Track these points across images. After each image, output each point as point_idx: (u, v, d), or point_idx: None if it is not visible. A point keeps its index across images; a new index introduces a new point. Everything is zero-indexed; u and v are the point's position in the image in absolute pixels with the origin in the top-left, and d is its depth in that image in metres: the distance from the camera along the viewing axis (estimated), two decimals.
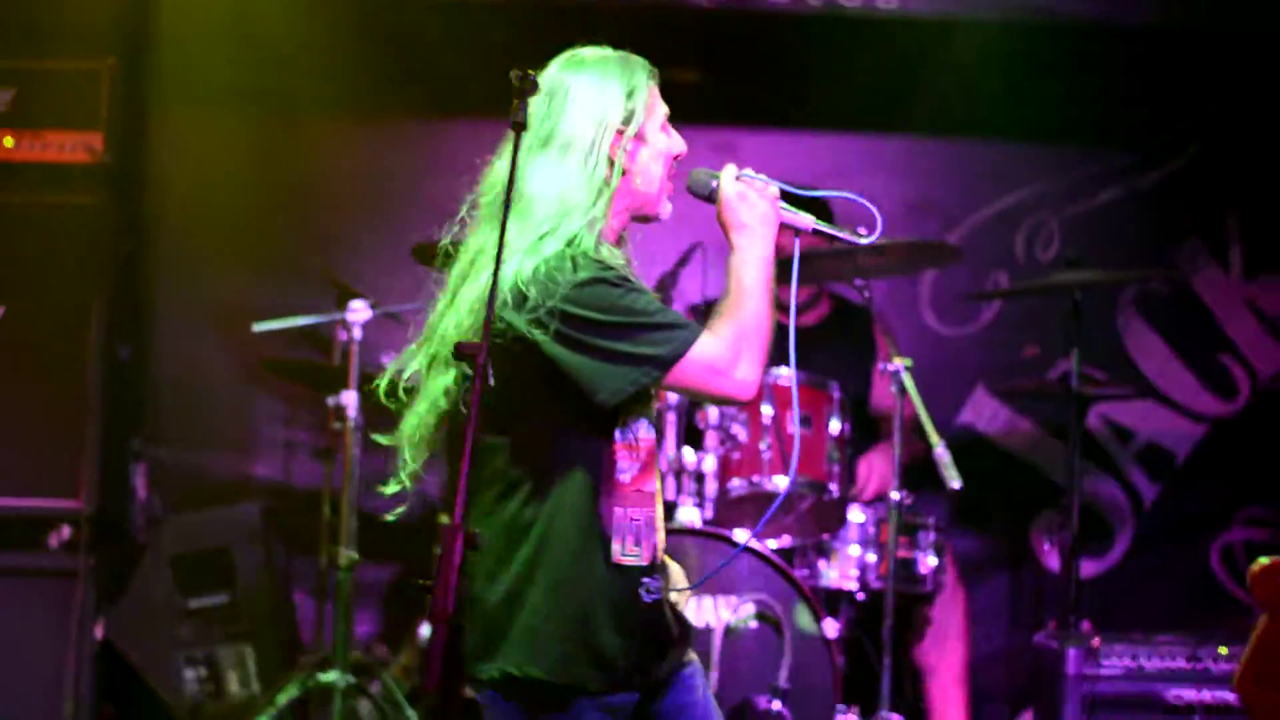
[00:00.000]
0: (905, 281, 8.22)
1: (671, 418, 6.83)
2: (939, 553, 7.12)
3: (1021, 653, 7.16)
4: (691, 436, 6.98)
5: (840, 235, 4.12)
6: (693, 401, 6.81)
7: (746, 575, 6.61)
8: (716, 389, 3.89)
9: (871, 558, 7.05)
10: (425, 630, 7.10)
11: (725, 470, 6.95)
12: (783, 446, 6.90)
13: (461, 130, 7.73)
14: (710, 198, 4.05)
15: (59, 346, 7.27)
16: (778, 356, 3.96)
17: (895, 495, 6.86)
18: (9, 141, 7.29)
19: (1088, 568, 7.95)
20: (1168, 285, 8.29)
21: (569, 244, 3.88)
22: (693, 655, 4.13)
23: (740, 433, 6.94)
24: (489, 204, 3.97)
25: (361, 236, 7.97)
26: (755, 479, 6.89)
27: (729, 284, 3.94)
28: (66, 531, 7.20)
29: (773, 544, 6.92)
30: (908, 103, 7.96)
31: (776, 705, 6.54)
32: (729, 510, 6.89)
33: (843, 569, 7.06)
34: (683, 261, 7.27)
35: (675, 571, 4.16)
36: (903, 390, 6.88)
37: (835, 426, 6.98)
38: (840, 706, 6.67)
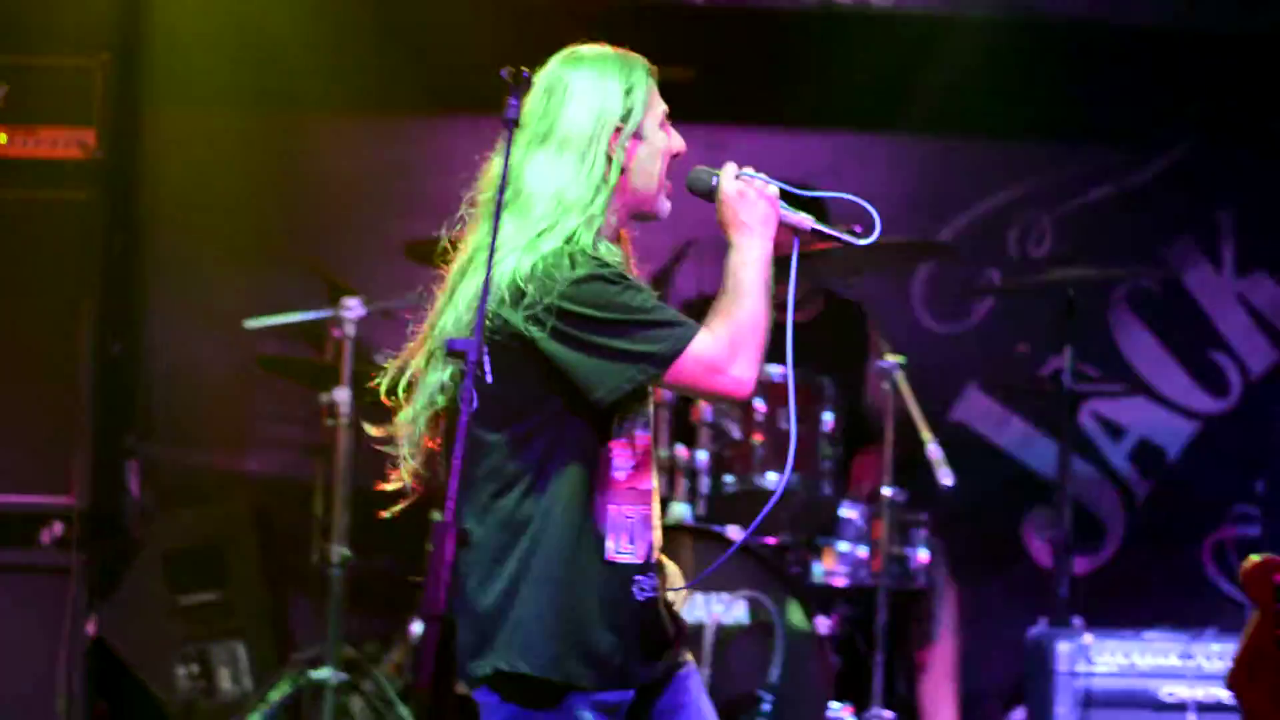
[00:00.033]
0: (898, 279, 8.22)
1: (664, 415, 6.83)
2: (931, 549, 7.12)
3: (1014, 649, 7.16)
4: (684, 433, 6.98)
5: (839, 235, 4.12)
6: (685, 398, 6.81)
7: (738, 572, 6.61)
8: (714, 387, 3.89)
9: (864, 554, 7.05)
10: (417, 627, 7.11)
11: (718, 467, 6.95)
12: (776, 443, 6.91)
13: (457, 127, 7.73)
14: (710, 196, 4.05)
15: (51, 342, 7.26)
16: (774, 354, 3.95)
17: (888, 492, 6.87)
18: (2, 137, 7.28)
19: (1080, 564, 7.95)
20: (1160, 282, 8.30)
21: (567, 241, 3.88)
22: (689, 656, 4.13)
23: (733, 429, 6.95)
24: (487, 201, 3.97)
25: (355, 233, 7.97)
26: (748, 476, 6.89)
27: (727, 282, 3.93)
28: (59, 528, 7.19)
29: (765, 541, 6.92)
30: (900, 101, 7.96)
31: (768, 702, 6.55)
32: (722, 507, 6.90)
33: (835, 566, 7.06)
34: (676, 259, 7.28)
35: (672, 571, 4.16)
36: (896, 387, 6.89)
37: (828, 423, 6.99)
38: (833, 703, 6.68)
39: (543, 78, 4.01)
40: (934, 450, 6.84)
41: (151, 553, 7.59)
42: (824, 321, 7.45)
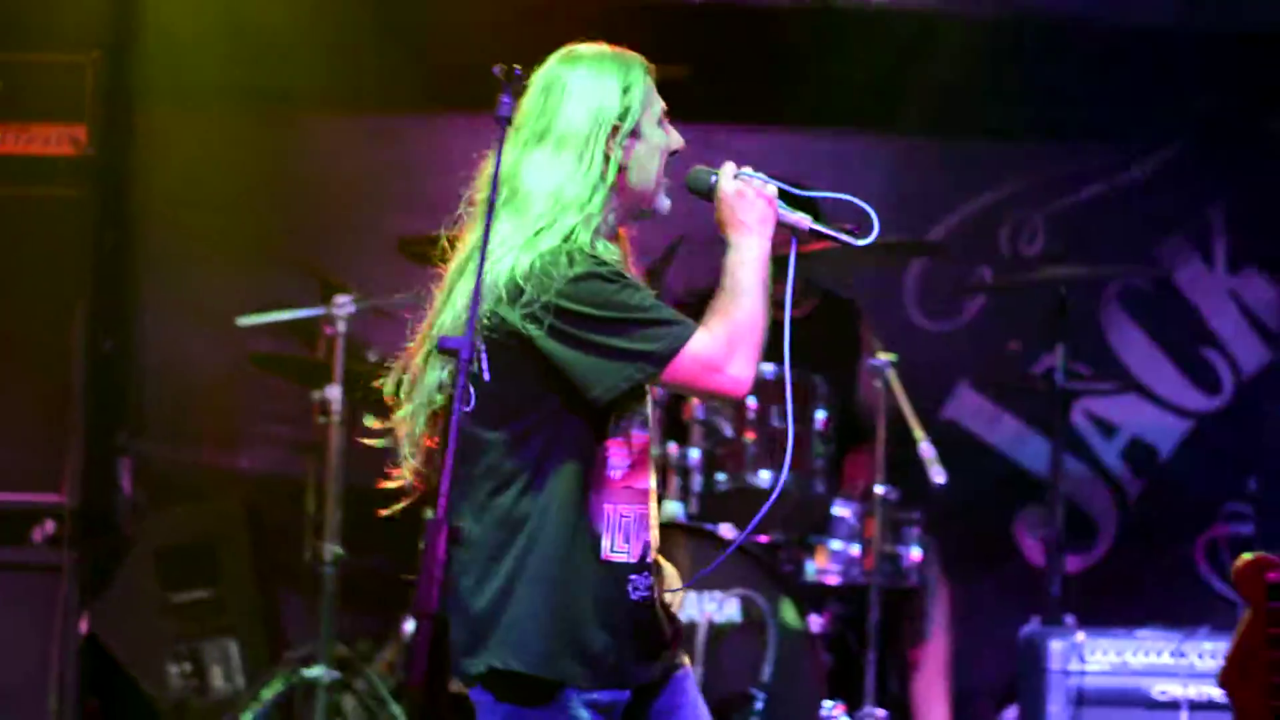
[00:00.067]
0: (890, 277, 8.23)
1: (657, 413, 6.83)
2: (924, 547, 7.12)
3: (1006, 648, 7.16)
4: (677, 431, 6.98)
5: (837, 235, 4.12)
6: (678, 396, 6.81)
7: (731, 570, 6.61)
8: (711, 386, 3.89)
9: (856, 552, 7.05)
10: (410, 626, 7.10)
11: (710, 464, 6.95)
12: (768, 441, 6.91)
13: (451, 125, 7.71)
14: (708, 196, 4.05)
15: (43, 340, 7.25)
16: (769, 353, 3.95)
17: (880, 490, 6.87)
18: None
19: (1072, 563, 7.95)
20: (1152, 280, 8.30)
21: (565, 239, 3.88)
22: (685, 658, 4.13)
23: (725, 427, 6.95)
24: (485, 200, 3.97)
25: (348, 231, 7.97)
26: (740, 474, 6.90)
27: (725, 282, 3.94)
28: (51, 526, 7.18)
29: (757, 539, 6.92)
30: (892, 99, 7.96)
31: (760, 701, 6.55)
32: (714, 505, 6.90)
33: (827, 564, 7.06)
34: (667, 256, 7.28)
35: (670, 572, 4.16)
36: (888, 385, 6.89)
37: (820, 421, 6.99)
38: (825, 702, 6.68)
39: (540, 77, 4.01)
40: (926, 448, 6.84)
41: (143, 550, 7.58)
42: (816, 319, 7.45)
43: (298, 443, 7.74)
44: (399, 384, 4.03)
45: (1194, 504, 8.25)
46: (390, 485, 4.03)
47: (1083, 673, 6.60)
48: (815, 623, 6.67)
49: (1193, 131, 8.21)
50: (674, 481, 6.86)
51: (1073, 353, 7.25)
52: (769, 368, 6.67)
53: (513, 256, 3.86)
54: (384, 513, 4.11)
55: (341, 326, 7.00)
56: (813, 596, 6.98)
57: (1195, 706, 6.55)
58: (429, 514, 3.74)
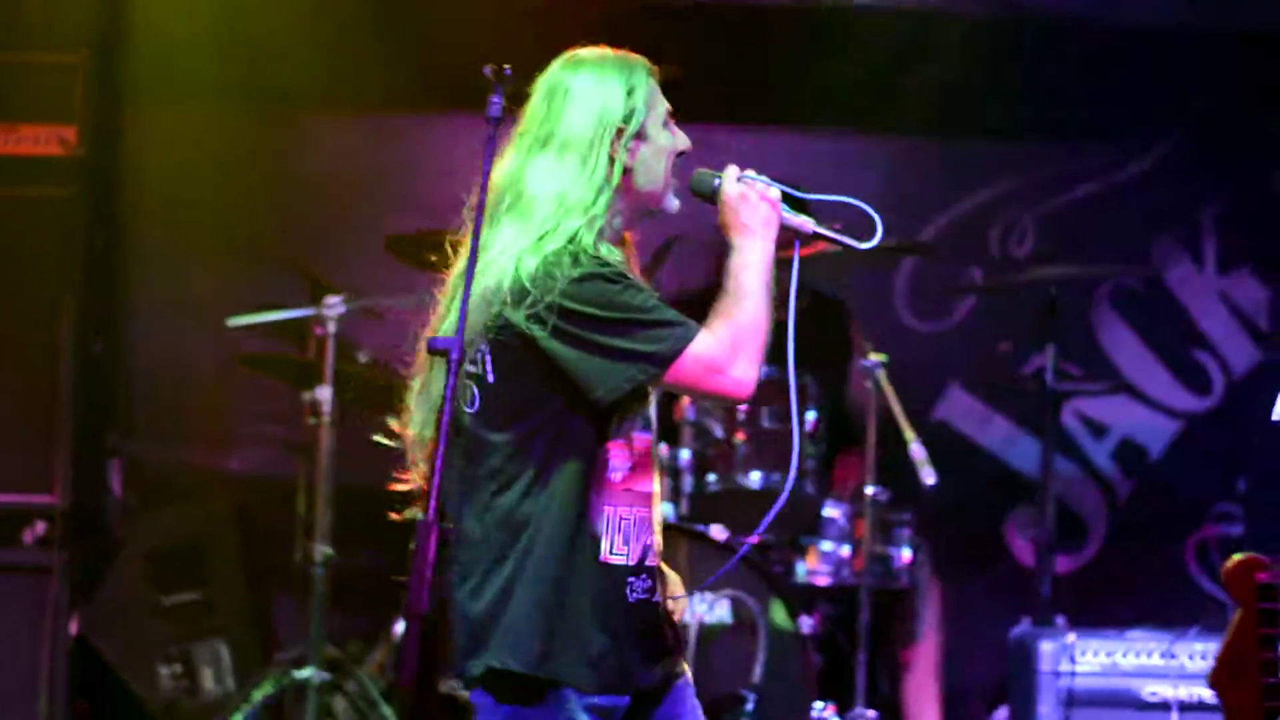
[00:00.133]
0: (880, 277, 8.23)
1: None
2: (914, 548, 7.13)
3: (997, 649, 7.17)
4: (667, 432, 6.98)
5: (841, 239, 4.12)
6: (668, 396, 6.81)
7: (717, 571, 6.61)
8: (714, 387, 3.90)
9: (846, 553, 7.06)
10: (401, 627, 7.09)
11: (701, 465, 6.96)
12: (758, 442, 6.91)
13: (444, 125, 7.72)
14: (711, 199, 4.05)
15: (32, 340, 7.25)
16: (771, 355, 3.96)
17: (870, 491, 6.88)
18: None
19: (1063, 563, 7.95)
20: (1142, 280, 8.31)
21: (569, 242, 3.88)
22: (686, 666, 4.13)
23: (715, 428, 6.95)
24: (490, 203, 3.97)
25: (339, 231, 7.95)
26: (731, 474, 6.89)
27: (728, 284, 3.94)
28: (41, 527, 7.17)
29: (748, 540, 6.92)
30: (883, 100, 7.96)
31: (751, 702, 6.55)
32: (705, 506, 6.90)
33: (818, 565, 7.06)
34: (659, 257, 7.27)
35: (673, 580, 4.16)
36: (878, 386, 6.89)
37: (810, 423, 6.99)
38: (816, 703, 6.68)
39: (543, 82, 4.02)
40: (916, 449, 6.85)
41: (133, 552, 7.58)
42: (806, 320, 7.39)
43: (288, 443, 7.72)
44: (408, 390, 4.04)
45: (1184, 505, 8.25)
46: (399, 489, 4.03)
47: (1073, 674, 6.60)
48: (806, 624, 6.67)
49: (1186, 131, 8.21)
50: (664, 482, 6.86)
51: (1063, 353, 7.25)
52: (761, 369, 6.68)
53: (517, 259, 3.86)
54: (396, 517, 4.10)
55: (332, 327, 6.99)
56: (803, 597, 6.98)
57: (1185, 707, 6.55)
58: (419, 515, 3.74)
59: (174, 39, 7.72)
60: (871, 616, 6.81)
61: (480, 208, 3.86)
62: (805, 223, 4.07)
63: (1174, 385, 8.32)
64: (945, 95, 7.89)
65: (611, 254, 3.95)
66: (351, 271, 7.50)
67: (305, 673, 6.85)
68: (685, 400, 6.95)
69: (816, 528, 7.08)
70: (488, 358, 3.88)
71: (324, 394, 6.96)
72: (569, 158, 3.94)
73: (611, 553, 3.92)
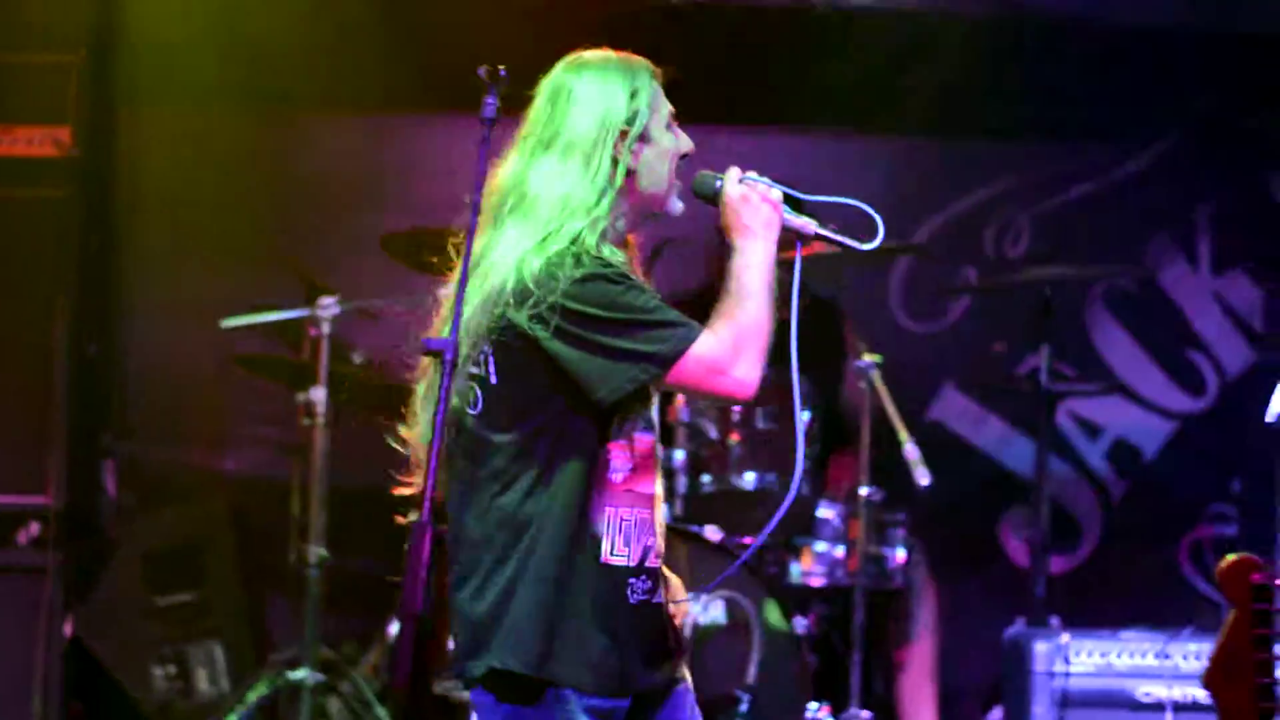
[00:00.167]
0: (875, 278, 8.23)
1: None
2: (909, 549, 7.13)
3: (991, 649, 7.17)
4: (661, 433, 6.96)
5: (843, 240, 4.12)
6: (664, 397, 6.80)
7: (715, 572, 6.60)
8: (716, 388, 3.91)
9: (841, 554, 7.06)
10: (395, 628, 7.09)
11: (695, 466, 6.95)
12: (752, 443, 6.91)
13: (440, 126, 7.72)
14: (713, 200, 4.06)
15: (26, 341, 7.25)
16: (772, 356, 3.96)
17: (865, 491, 6.88)
18: None
19: (1057, 564, 7.96)
20: (1137, 281, 8.31)
21: (572, 243, 3.89)
22: (686, 673, 4.13)
23: (710, 429, 6.95)
24: (494, 206, 3.97)
25: (335, 232, 7.95)
26: (725, 475, 6.89)
27: (730, 285, 3.95)
28: (35, 528, 7.17)
29: (742, 541, 6.92)
30: (878, 101, 7.96)
31: (745, 703, 6.54)
32: (699, 507, 6.90)
33: (812, 566, 7.06)
34: (651, 259, 7.26)
35: (675, 584, 4.16)
36: (872, 387, 6.89)
37: (805, 423, 6.99)
38: (810, 703, 6.68)
39: (546, 85, 4.02)
40: (911, 450, 6.84)
41: (128, 553, 7.58)
42: (801, 321, 7.43)
43: (283, 444, 7.73)
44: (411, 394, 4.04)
45: (1178, 505, 8.26)
46: (404, 492, 4.03)
47: (1067, 674, 6.61)
48: (800, 624, 6.67)
49: (1182, 131, 8.21)
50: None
51: (1057, 354, 7.26)
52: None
53: (520, 260, 3.87)
54: (402, 520, 4.10)
55: (326, 328, 6.99)
56: (798, 598, 6.98)
57: (1180, 708, 6.55)
58: (413, 516, 3.74)
59: (168, 40, 7.71)
60: (866, 617, 6.81)
61: (474, 208, 3.87)
62: (807, 224, 4.08)
63: (1168, 386, 8.33)
64: (945, 95, 7.88)
65: (614, 255, 3.95)
66: (347, 272, 7.49)
67: (300, 674, 6.84)
68: (679, 401, 6.95)
69: (811, 528, 7.08)
70: (490, 359, 3.89)
71: (319, 395, 6.96)
72: (572, 160, 3.95)
73: (612, 553, 3.92)
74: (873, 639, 7.17)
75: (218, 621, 7.54)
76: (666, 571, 4.10)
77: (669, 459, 6.91)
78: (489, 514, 3.90)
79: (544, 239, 3.89)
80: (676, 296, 3.90)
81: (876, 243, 4.10)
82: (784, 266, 4.00)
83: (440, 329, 3.95)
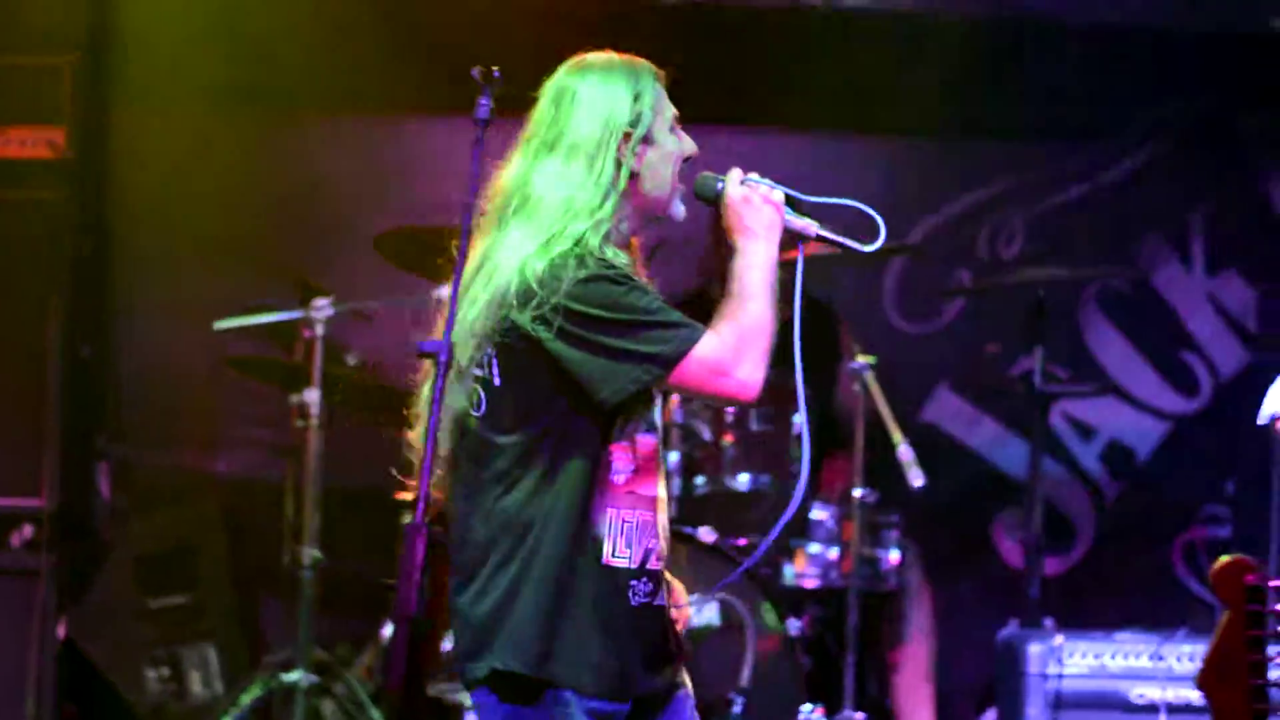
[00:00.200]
0: (868, 279, 8.23)
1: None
2: (903, 550, 7.13)
3: (985, 650, 7.17)
4: None
5: (844, 242, 4.13)
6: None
7: (710, 574, 6.60)
8: (719, 389, 3.91)
9: (834, 555, 7.06)
10: (389, 630, 7.09)
11: (689, 468, 6.95)
12: (746, 444, 6.91)
13: (438, 127, 7.71)
14: (715, 202, 4.06)
15: (19, 343, 7.24)
16: (774, 357, 3.97)
17: (858, 493, 6.88)
18: None
19: (1051, 565, 7.96)
20: (1130, 282, 8.32)
21: (575, 244, 3.89)
22: (686, 678, 4.13)
23: (703, 430, 6.95)
24: (497, 208, 3.98)
25: (329, 234, 7.94)
26: (719, 477, 6.89)
27: (732, 286, 3.95)
28: (28, 530, 7.16)
29: (736, 542, 6.92)
30: (872, 102, 7.96)
31: (739, 705, 6.54)
32: (693, 508, 6.89)
33: (806, 567, 7.06)
34: (647, 260, 7.27)
35: (677, 588, 4.17)
36: (866, 388, 6.89)
37: (797, 425, 6.99)
38: (804, 705, 6.68)
39: (550, 87, 4.03)
40: (905, 451, 6.85)
41: (122, 555, 7.57)
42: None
43: (276, 446, 7.72)
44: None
45: (1172, 506, 8.26)
46: (406, 496, 4.03)
47: (1061, 675, 6.61)
48: (794, 626, 6.67)
49: (1179, 131, 8.21)
50: None
51: (1051, 355, 7.27)
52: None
53: (523, 262, 3.87)
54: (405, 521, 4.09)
55: (320, 329, 6.98)
56: (791, 600, 6.98)
57: (1173, 709, 6.56)
58: (407, 517, 3.74)
59: (163, 41, 7.70)
60: (860, 619, 6.81)
61: (468, 209, 3.87)
62: (808, 225, 4.08)
63: (1162, 387, 8.33)
64: (944, 96, 7.88)
65: (618, 257, 3.95)
66: (341, 273, 7.49)
67: (293, 676, 6.84)
68: (674, 402, 6.95)
69: (804, 530, 7.08)
70: (494, 361, 3.89)
71: (312, 396, 6.95)
72: (576, 162, 3.95)
73: (614, 555, 3.92)
74: (867, 641, 7.17)
75: (211, 623, 7.54)
76: (669, 576, 4.10)
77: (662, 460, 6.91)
78: (493, 517, 3.91)
79: (547, 241, 3.89)
80: (674, 298, 3.90)
81: (878, 244, 4.11)
82: (785, 268, 4.01)
83: (441, 330, 3.96)
